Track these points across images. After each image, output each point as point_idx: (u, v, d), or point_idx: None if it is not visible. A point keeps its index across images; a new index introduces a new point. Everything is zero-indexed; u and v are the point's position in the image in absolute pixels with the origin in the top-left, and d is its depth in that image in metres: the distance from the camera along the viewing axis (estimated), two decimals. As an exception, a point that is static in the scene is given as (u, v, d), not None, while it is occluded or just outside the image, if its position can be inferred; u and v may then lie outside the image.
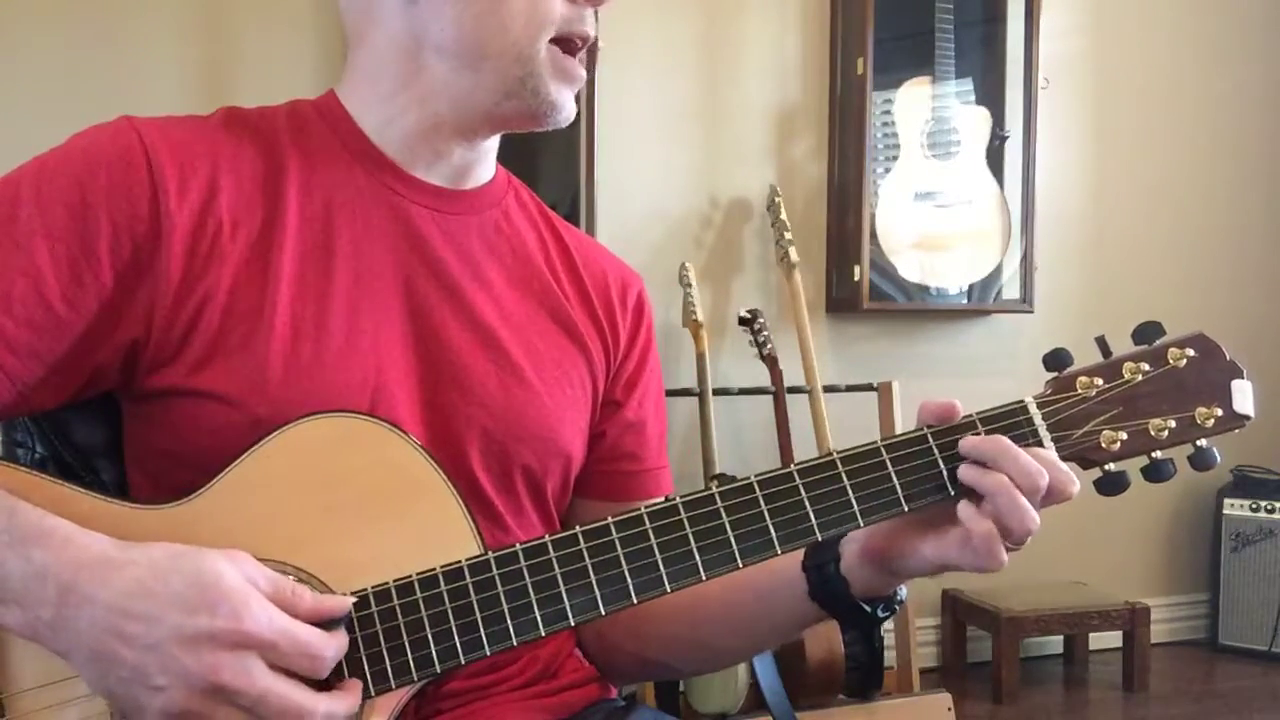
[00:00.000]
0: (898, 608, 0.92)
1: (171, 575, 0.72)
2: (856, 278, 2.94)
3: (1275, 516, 3.23)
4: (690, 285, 2.73)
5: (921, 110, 3.02)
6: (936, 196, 3.02)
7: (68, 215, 0.83)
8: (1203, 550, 3.41)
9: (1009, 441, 0.81)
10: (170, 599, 0.71)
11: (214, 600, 0.72)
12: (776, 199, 2.87)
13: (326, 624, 0.77)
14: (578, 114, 2.63)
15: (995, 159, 3.11)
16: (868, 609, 0.90)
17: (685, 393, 2.70)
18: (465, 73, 0.93)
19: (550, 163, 2.76)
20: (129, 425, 0.92)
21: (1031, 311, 3.13)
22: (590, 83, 2.71)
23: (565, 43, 0.93)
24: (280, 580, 0.76)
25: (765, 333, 2.71)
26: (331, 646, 0.76)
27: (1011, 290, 3.14)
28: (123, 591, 0.72)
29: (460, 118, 0.95)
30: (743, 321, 2.77)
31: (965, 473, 0.82)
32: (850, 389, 2.80)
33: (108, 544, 0.74)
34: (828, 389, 2.72)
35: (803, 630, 0.98)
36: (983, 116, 3.09)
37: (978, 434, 0.84)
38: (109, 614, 0.71)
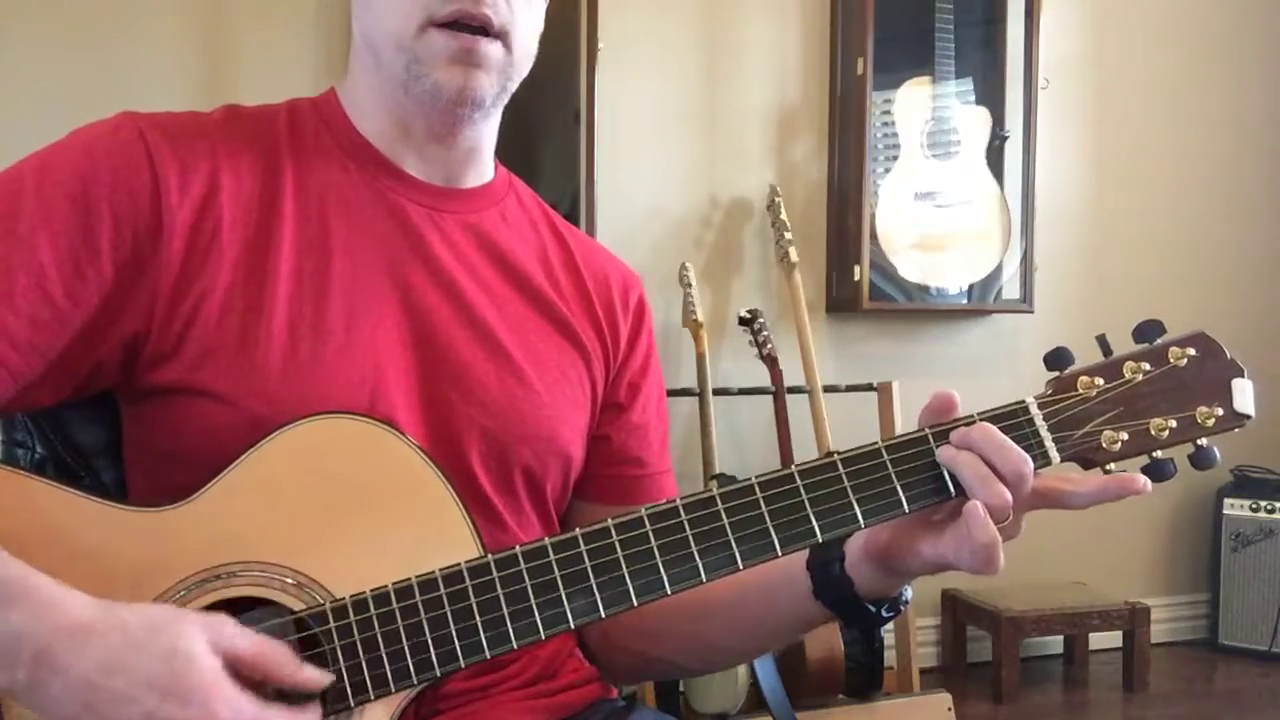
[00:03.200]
0: (903, 608, 0.92)
1: (142, 653, 0.71)
2: (856, 278, 2.94)
3: (1275, 516, 3.22)
4: (690, 285, 2.73)
5: (921, 110, 3.02)
6: (936, 196, 3.02)
7: (70, 209, 0.83)
8: (1203, 550, 3.41)
9: (993, 428, 0.81)
10: (143, 679, 0.70)
11: (184, 689, 0.70)
12: (776, 199, 2.87)
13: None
14: (578, 114, 2.68)
15: (995, 159, 3.11)
16: (872, 609, 0.90)
17: (685, 393, 2.69)
18: (378, 68, 0.95)
19: (550, 163, 2.76)
20: (127, 427, 0.92)
21: (1031, 311, 3.13)
22: (590, 83, 2.71)
23: (451, 24, 0.90)
24: (265, 644, 0.75)
25: (765, 333, 2.70)
26: None
27: (1011, 290, 3.14)
28: (96, 664, 0.70)
29: (402, 113, 0.95)
30: (743, 321, 2.77)
31: (941, 453, 0.82)
32: (850, 389, 2.80)
33: (86, 609, 0.72)
34: (828, 389, 2.72)
35: (808, 630, 0.98)
36: (983, 116, 3.09)
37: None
38: (82, 686, 0.70)
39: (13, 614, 0.71)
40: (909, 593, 0.91)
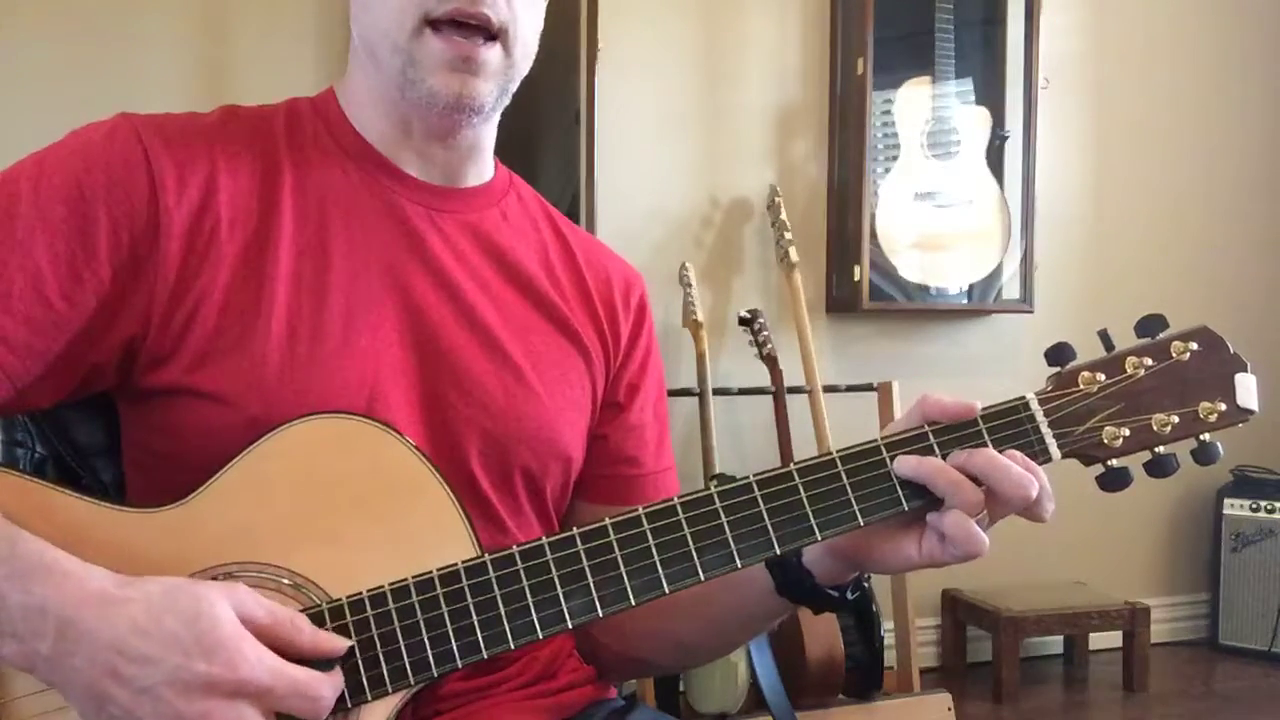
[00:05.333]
0: (866, 585, 0.92)
1: (167, 615, 0.71)
2: (856, 278, 2.94)
3: (1275, 516, 3.22)
4: (690, 285, 2.72)
5: (921, 110, 3.02)
6: (936, 196, 3.01)
7: (66, 211, 0.83)
8: (1203, 550, 3.40)
9: (995, 454, 0.81)
10: (166, 641, 0.71)
11: (209, 646, 0.71)
12: (776, 199, 2.87)
13: (324, 663, 0.77)
14: (578, 114, 2.68)
15: (995, 159, 3.11)
16: (835, 594, 0.90)
17: (685, 393, 2.69)
18: (376, 69, 0.94)
19: (550, 162, 2.76)
20: (126, 428, 0.92)
21: (1031, 311, 3.13)
22: (590, 83, 2.71)
23: (447, 24, 0.89)
24: (279, 611, 0.76)
25: (765, 333, 2.70)
26: (328, 686, 0.75)
27: (1011, 290, 3.14)
28: (120, 631, 0.71)
29: (400, 115, 0.95)
30: (743, 321, 2.76)
31: (903, 468, 0.82)
32: (850, 389, 2.80)
33: (106, 580, 0.73)
34: (828, 389, 2.71)
35: (777, 620, 0.98)
36: (983, 116, 3.08)
37: (977, 430, 0.83)
38: (106, 652, 0.70)
39: (35, 586, 0.71)
40: None
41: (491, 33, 0.90)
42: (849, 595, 0.90)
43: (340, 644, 0.77)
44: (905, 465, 0.82)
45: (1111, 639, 3.09)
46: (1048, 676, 3.16)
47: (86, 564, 0.74)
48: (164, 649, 0.70)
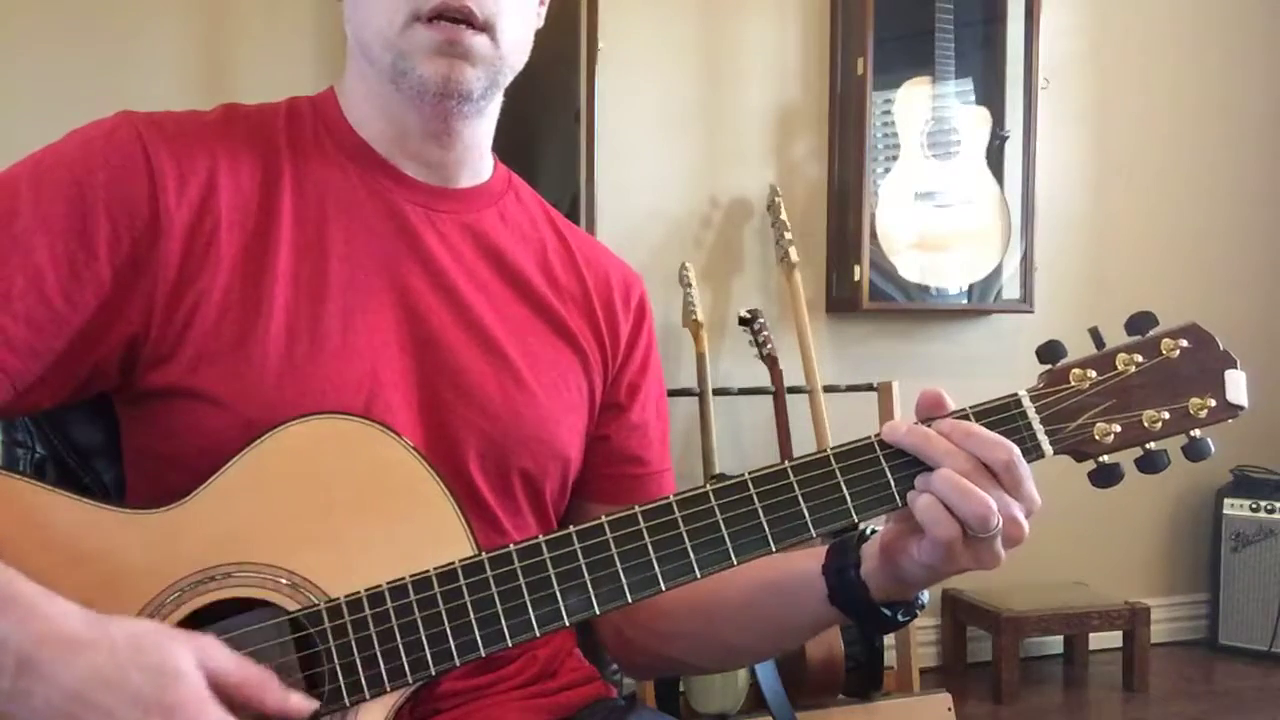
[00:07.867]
0: (918, 611, 0.91)
1: (131, 669, 0.70)
2: (856, 278, 2.94)
3: (1275, 516, 3.22)
4: (690, 285, 2.73)
5: (921, 110, 3.02)
6: (936, 196, 3.02)
7: (66, 211, 0.83)
8: (1203, 550, 3.40)
9: (971, 425, 0.81)
10: (127, 696, 0.69)
11: (170, 706, 0.69)
12: (776, 199, 2.87)
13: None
14: (578, 114, 2.68)
15: (995, 159, 3.11)
16: (887, 613, 0.89)
17: (685, 393, 2.69)
18: (370, 68, 0.94)
19: (550, 163, 2.76)
20: (125, 430, 0.92)
21: (1031, 311, 3.13)
22: (590, 83, 2.71)
23: (438, 18, 0.89)
24: (249, 669, 0.75)
25: (765, 333, 2.70)
26: None
27: (1011, 290, 3.14)
28: (80, 678, 0.69)
29: (396, 112, 0.95)
30: (743, 321, 2.77)
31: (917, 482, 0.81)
32: (850, 389, 2.80)
33: (74, 619, 0.71)
34: (828, 389, 2.72)
35: (822, 630, 0.97)
36: (983, 116, 3.09)
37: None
38: (65, 699, 0.69)
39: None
40: (925, 596, 0.90)
41: (477, 25, 0.90)
42: (900, 617, 0.89)
43: (308, 706, 0.76)
44: (893, 432, 0.82)
45: (1111, 639, 3.09)
46: (1048, 676, 3.16)
47: (54, 598, 0.72)
48: (124, 705, 0.69)
